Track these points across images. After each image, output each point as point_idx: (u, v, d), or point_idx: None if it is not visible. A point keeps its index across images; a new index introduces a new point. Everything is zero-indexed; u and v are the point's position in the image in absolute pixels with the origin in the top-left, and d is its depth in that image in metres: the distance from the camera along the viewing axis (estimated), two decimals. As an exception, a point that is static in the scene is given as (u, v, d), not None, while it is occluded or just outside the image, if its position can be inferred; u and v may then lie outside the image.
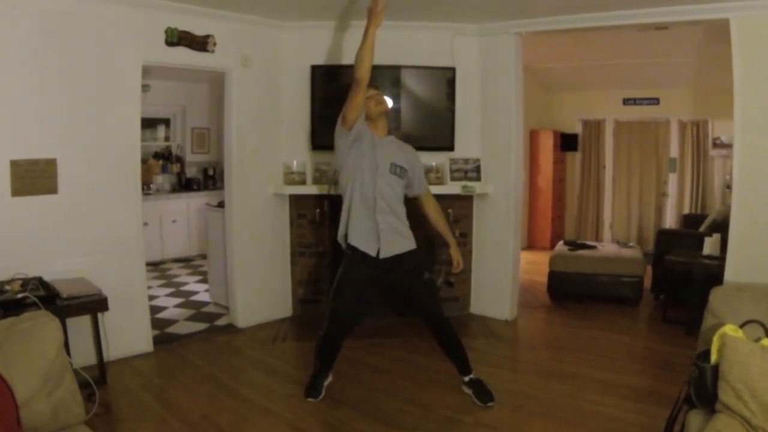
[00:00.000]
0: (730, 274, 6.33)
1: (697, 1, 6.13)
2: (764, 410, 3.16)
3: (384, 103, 5.33)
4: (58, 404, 3.39)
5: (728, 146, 6.40)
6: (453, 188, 7.68)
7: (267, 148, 7.64)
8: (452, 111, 7.70)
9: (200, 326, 7.62)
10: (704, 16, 6.36)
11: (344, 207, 5.30)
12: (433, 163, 7.68)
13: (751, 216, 6.24)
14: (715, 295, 3.93)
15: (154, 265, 10.92)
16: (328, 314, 5.43)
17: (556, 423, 5.06)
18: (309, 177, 7.80)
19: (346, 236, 5.29)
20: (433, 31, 7.68)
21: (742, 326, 3.49)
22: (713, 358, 3.43)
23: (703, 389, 3.46)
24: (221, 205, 7.92)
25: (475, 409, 5.33)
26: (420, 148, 7.39)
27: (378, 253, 5.19)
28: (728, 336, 3.36)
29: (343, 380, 5.90)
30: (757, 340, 3.42)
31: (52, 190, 5.79)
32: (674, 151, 12.91)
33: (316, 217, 7.81)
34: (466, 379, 5.57)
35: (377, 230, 5.19)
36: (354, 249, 5.23)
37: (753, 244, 6.23)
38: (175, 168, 12.30)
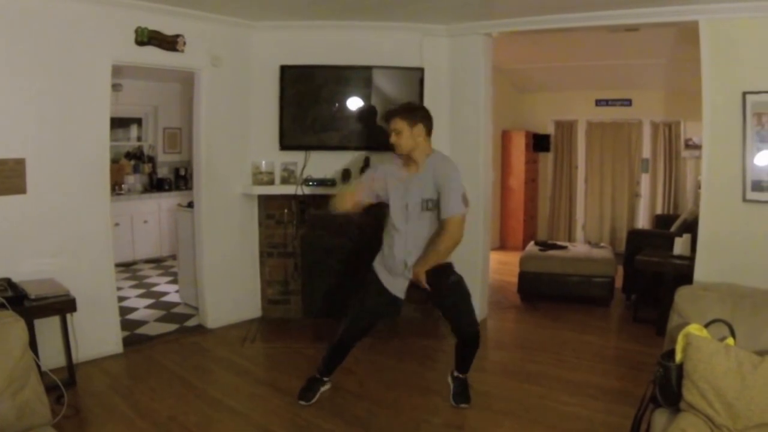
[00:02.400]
0: (699, 274, 6.37)
1: (666, 3, 6.16)
2: (728, 409, 3.17)
3: (399, 146, 5.01)
4: (23, 405, 3.37)
5: (700, 147, 6.45)
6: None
7: (236, 148, 7.60)
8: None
9: (170, 327, 7.56)
10: (674, 19, 6.39)
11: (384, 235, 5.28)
12: (401, 164, 7.63)
13: (719, 216, 6.28)
14: (681, 295, 3.94)
15: (125, 266, 10.82)
16: (348, 322, 5.34)
17: (524, 423, 5.07)
18: (277, 177, 7.75)
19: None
20: (403, 31, 7.66)
21: (707, 326, 3.51)
22: (678, 357, 3.44)
23: (668, 388, 3.47)
24: (191, 205, 7.87)
25: (443, 410, 5.33)
26: (390, 148, 7.43)
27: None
28: (692, 335, 3.37)
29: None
30: (722, 339, 3.44)
31: (21, 190, 5.72)
32: (646, 152, 12.96)
33: (285, 217, 7.77)
34: (456, 374, 5.57)
35: (404, 269, 5.10)
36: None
37: (722, 244, 6.27)
38: (147, 168, 12.20)
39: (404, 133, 4.93)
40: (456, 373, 5.56)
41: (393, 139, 4.98)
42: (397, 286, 5.15)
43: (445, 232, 4.93)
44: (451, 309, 5.24)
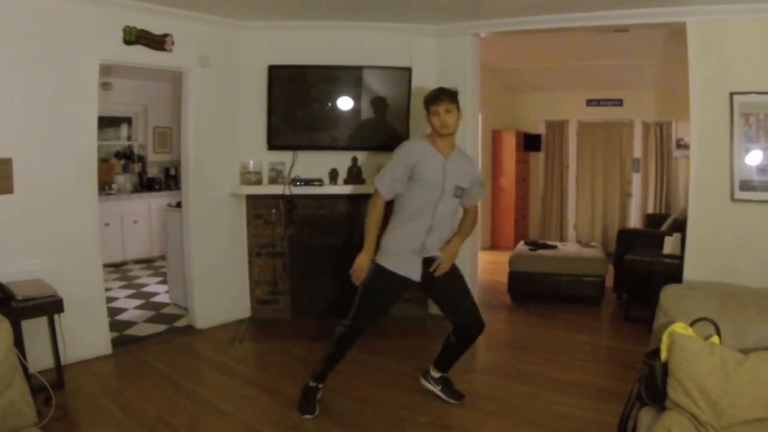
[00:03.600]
0: (688, 273, 6.43)
1: (655, 5, 6.18)
2: (712, 406, 3.17)
3: (449, 126, 4.97)
4: (8, 406, 3.35)
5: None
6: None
7: (224, 148, 7.59)
8: (408, 111, 7.65)
9: (159, 328, 7.55)
10: (662, 20, 6.44)
11: (393, 227, 5.15)
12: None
13: (708, 216, 6.34)
14: (666, 294, 3.94)
15: (115, 267, 10.83)
16: (355, 312, 5.09)
17: (512, 422, 5.07)
18: (265, 177, 7.75)
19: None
20: (392, 31, 7.67)
21: (692, 324, 3.51)
22: (663, 355, 3.44)
23: (653, 387, 3.48)
24: (180, 205, 7.84)
25: (430, 409, 5.33)
26: (379, 148, 7.46)
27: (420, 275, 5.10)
28: (677, 334, 3.37)
29: (300, 381, 5.85)
30: (707, 337, 3.43)
31: (8, 189, 5.68)
32: (638, 152, 13.00)
33: (273, 217, 7.76)
34: (440, 375, 5.58)
35: (422, 250, 5.05)
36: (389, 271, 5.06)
37: (710, 243, 6.32)
38: (137, 168, 12.19)
39: (455, 114, 4.98)
40: (438, 374, 5.57)
41: (443, 118, 4.95)
42: (412, 268, 5.05)
43: (472, 216, 5.38)
44: (462, 296, 5.27)
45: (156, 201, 11.73)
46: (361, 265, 4.96)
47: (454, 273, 5.20)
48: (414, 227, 5.00)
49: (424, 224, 5.00)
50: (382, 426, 5.04)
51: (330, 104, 7.61)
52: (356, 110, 7.62)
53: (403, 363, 6.00)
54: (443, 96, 4.98)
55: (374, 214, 5.02)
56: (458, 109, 5.00)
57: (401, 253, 5.01)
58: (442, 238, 5.10)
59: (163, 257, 10.99)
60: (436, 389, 5.57)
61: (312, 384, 5.33)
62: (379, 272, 5.02)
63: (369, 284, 5.03)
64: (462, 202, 5.26)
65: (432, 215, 4.99)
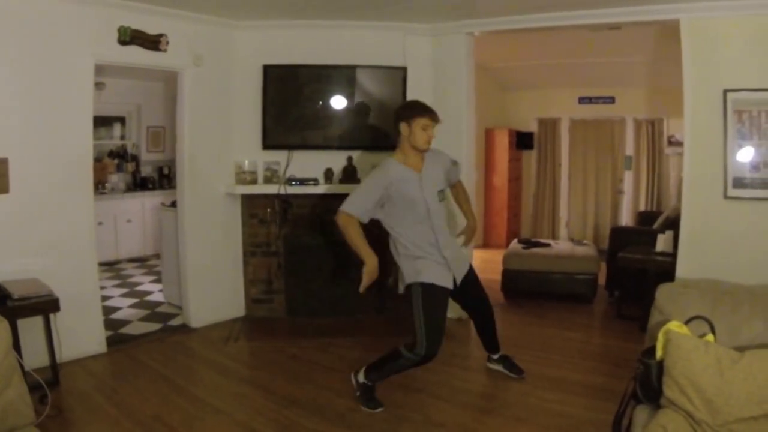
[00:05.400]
0: (681, 271, 6.42)
1: (648, 2, 6.19)
2: (708, 404, 3.19)
3: (430, 142, 5.12)
4: (7, 406, 3.36)
5: (683, 144, 6.50)
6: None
7: (219, 147, 7.59)
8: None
9: (154, 326, 7.55)
10: (655, 17, 6.44)
11: (403, 250, 5.19)
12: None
13: (701, 213, 6.34)
14: (662, 292, 3.96)
15: (108, 265, 10.80)
16: (425, 339, 4.97)
17: (506, 420, 5.08)
18: (260, 176, 7.75)
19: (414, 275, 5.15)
20: (386, 30, 7.68)
21: (687, 322, 3.52)
22: (658, 354, 3.45)
23: (649, 385, 3.49)
24: (174, 204, 7.84)
25: (425, 407, 5.34)
26: (372, 147, 7.48)
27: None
28: (672, 332, 3.39)
29: (295, 379, 5.90)
30: (702, 335, 3.45)
31: (3, 189, 5.68)
32: (629, 149, 13.03)
33: (268, 216, 7.78)
34: (497, 355, 6.05)
35: (447, 263, 5.19)
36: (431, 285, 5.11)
37: (703, 241, 6.33)
38: (130, 167, 12.16)
39: (432, 136, 5.12)
40: (496, 355, 6.02)
41: (430, 133, 5.08)
42: (444, 277, 5.17)
43: (461, 189, 5.88)
44: (482, 300, 5.71)
45: (149, 200, 11.74)
46: (372, 271, 4.91)
47: (475, 280, 5.60)
48: (421, 242, 5.12)
49: (428, 237, 5.11)
50: (379, 424, 5.04)
51: (324, 103, 7.62)
52: (350, 109, 7.64)
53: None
54: (432, 111, 5.07)
55: (352, 230, 4.94)
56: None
57: (431, 267, 5.11)
58: (455, 248, 5.33)
59: (156, 256, 11.01)
60: (499, 367, 6.06)
61: (369, 383, 5.38)
62: (425, 291, 5.07)
63: (424, 307, 5.04)
64: (451, 181, 5.66)
65: (431, 226, 5.11)
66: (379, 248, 5.12)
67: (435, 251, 5.13)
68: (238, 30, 7.56)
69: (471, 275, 5.54)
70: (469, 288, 5.51)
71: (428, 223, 5.10)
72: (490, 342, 5.99)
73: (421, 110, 5.05)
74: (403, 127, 5.10)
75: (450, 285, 5.19)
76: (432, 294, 5.08)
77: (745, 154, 6.10)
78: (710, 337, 3.45)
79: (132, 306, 8.52)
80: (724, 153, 6.15)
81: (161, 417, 5.10)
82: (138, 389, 5.68)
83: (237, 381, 6.02)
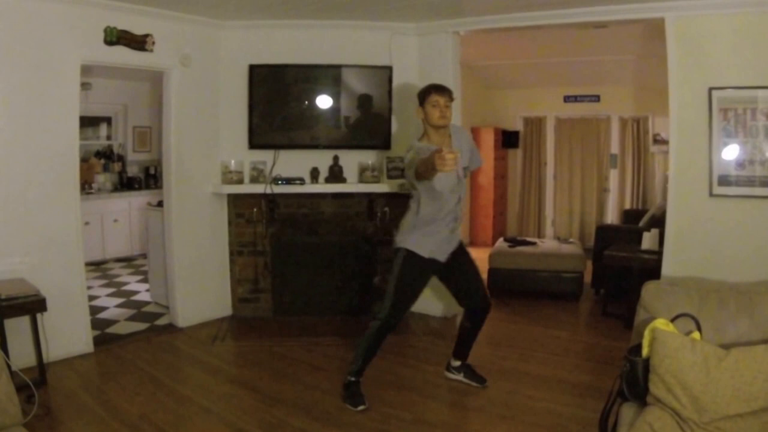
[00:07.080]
0: (667, 269, 6.45)
1: (633, 1, 6.21)
2: (694, 402, 3.20)
3: (448, 117, 5.14)
4: (-6, 405, 3.35)
5: (668, 142, 6.51)
6: (390, 187, 7.58)
7: (205, 147, 7.57)
8: (389, 110, 7.68)
9: (141, 326, 7.52)
10: (641, 16, 6.46)
11: (414, 218, 5.23)
12: (370, 162, 7.67)
13: (686, 211, 6.36)
14: (647, 290, 3.96)
15: (95, 265, 10.77)
16: (390, 306, 5.20)
17: (493, 418, 5.09)
18: (247, 176, 7.75)
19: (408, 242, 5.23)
20: (372, 30, 7.68)
21: (673, 320, 3.53)
22: (644, 351, 3.46)
23: (635, 383, 3.50)
24: (161, 204, 7.81)
25: (413, 406, 5.34)
26: (358, 146, 7.50)
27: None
28: (658, 330, 3.39)
29: (282, 378, 5.89)
30: (688, 333, 3.46)
31: (-10, 189, 5.69)
32: (615, 148, 13.07)
33: (254, 216, 7.76)
34: (460, 363, 5.85)
35: (450, 238, 5.28)
36: (418, 255, 5.18)
37: (689, 238, 6.35)
38: (117, 167, 12.12)
39: (451, 110, 5.15)
40: (458, 362, 5.85)
41: (444, 109, 5.09)
42: (442, 251, 5.25)
43: None
44: (476, 279, 5.57)
45: (136, 200, 11.71)
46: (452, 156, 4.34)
47: (468, 258, 5.52)
48: (440, 218, 5.17)
49: (447, 212, 5.19)
50: (367, 423, 5.03)
51: (310, 103, 7.60)
52: (336, 109, 7.63)
53: (387, 360, 6.01)
54: (446, 89, 5.13)
55: (418, 163, 4.72)
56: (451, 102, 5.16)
57: (425, 240, 5.18)
58: (460, 220, 5.40)
59: (143, 256, 10.94)
60: (459, 377, 5.80)
61: (353, 379, 5.39)
62: (408, 258, 5.18)
63: (402, 273, 5.16)
64: (473, 166, 5.63)
65: (455, 203, 5.23)
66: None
67: (444, 227, 5.19)
68: (225, 30, 7.55)
69: (465, 256, 5.52)
70: (466, 271, 5.50)
71: (456, 195, 5.20)
72: (466, 346, 5.82)
73: (430, 89, 5.14)
74: (419, 111, 5.21)
75: (441, 258, 5.22)
76: (413, 264, 5.17)
77: (731, 152, 6.13)
78: (696, 334, 3.45)
79: (119, 306, 8.49)
80: (709, 151, 6.18)
81: (148, 416, 5.08)
82: (125, 389, 5.66)
83: (224, 380, 6.00)
